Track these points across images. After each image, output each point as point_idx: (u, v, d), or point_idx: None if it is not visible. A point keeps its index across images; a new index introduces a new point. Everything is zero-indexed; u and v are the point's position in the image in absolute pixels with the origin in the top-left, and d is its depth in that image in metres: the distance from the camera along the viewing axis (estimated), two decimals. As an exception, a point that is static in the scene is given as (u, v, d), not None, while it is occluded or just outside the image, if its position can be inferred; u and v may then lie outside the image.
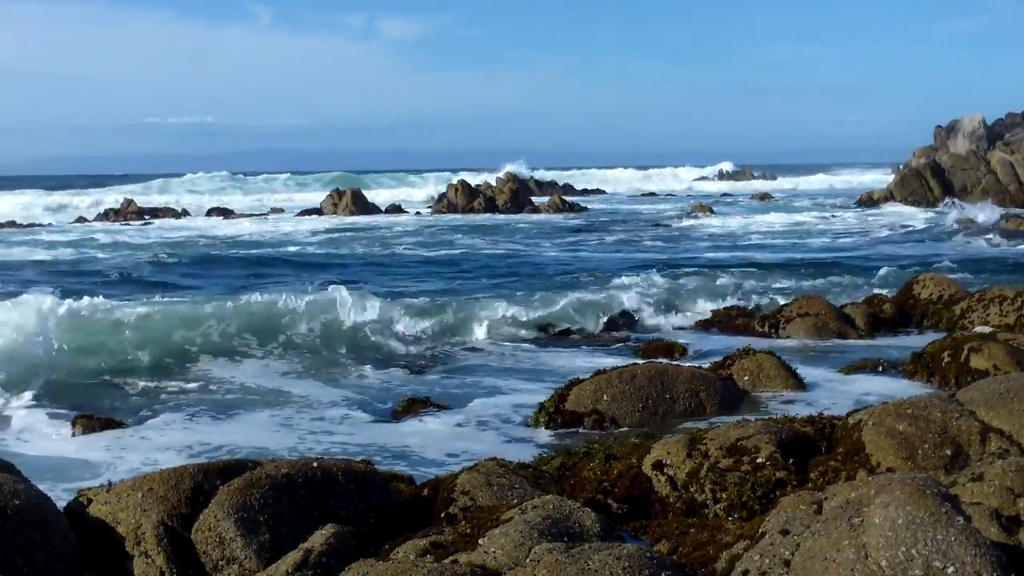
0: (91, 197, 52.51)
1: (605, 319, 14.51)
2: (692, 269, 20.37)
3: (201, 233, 35.69)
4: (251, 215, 45.13)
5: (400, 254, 27.42)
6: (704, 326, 14.48)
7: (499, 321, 13.95)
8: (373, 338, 13.02)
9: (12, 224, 40.28)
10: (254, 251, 28.71)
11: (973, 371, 10.00)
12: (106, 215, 43.91)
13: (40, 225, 41.05)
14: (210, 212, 47.39)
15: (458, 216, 43.95)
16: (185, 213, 45.12)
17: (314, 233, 35.09)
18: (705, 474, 6.00)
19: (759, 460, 6.01)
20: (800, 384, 10.02)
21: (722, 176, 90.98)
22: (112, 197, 52.65)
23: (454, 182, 50.12)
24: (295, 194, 61.31)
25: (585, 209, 47.55)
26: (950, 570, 3.68)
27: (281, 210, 49.04)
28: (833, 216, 39.47)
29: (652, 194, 71.83)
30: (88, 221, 43.24)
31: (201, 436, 8.80)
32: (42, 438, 8.90)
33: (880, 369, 10.83)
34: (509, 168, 60.04)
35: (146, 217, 43.22)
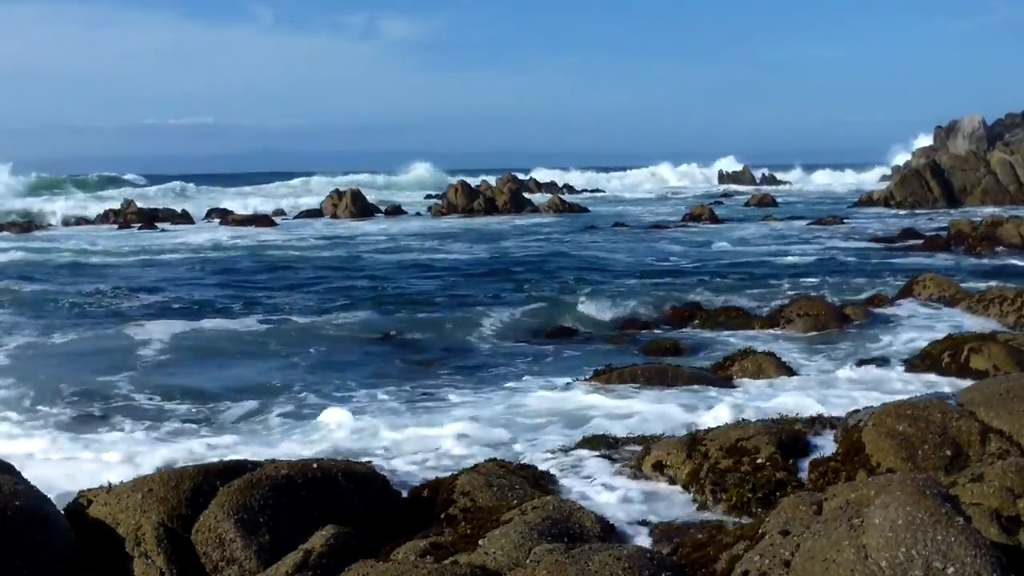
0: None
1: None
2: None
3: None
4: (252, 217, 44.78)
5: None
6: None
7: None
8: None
9: (14, 226, 40.07)
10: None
11: (973, 371, 10.01)
12: (106, 216, 43.78)
13: (41, 227, 40.89)
14: (210, 213, 47.28)
15: (480, 219, 43.18)
16: (186, 215, 44.96)
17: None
18: (705, 475, 6.00)
19: (759, 461, 6.01)
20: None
21: (722, 177, 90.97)
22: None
23: (454, 183, 50.07)
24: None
25: (585, 211, 47.48)
26: (950, 570, 3.68)
27: (283, 212, 48.91)
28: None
29: (652, 195, 71.83)
30: (90, 222, 43.10)
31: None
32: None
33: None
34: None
35: (159, 226, 42.18)
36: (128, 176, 76.40)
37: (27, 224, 40.76)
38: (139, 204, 45.71)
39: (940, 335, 11.86)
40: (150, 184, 68.00)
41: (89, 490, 5.34)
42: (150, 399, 10.37)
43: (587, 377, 9.78)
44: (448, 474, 6.30)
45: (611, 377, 9.57)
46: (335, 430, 8.99)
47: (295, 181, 70.83)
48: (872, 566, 3.78)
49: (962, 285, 15.20)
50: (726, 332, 13.70)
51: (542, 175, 78.02)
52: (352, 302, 17.38)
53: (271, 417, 9.56)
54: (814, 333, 12.95)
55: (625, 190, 79.31)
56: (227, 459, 6.23)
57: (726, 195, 65.62)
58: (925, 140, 63.48)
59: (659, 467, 6.27)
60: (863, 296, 15.90)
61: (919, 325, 13.60)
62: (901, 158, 66.58)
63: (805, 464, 6.10)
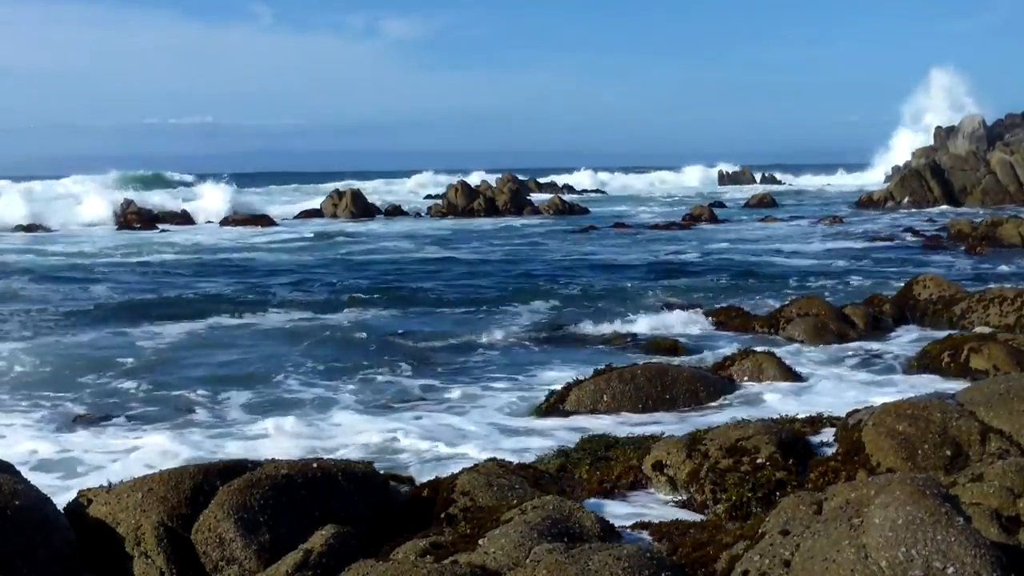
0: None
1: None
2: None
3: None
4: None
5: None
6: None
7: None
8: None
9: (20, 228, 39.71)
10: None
11: (973, 371, 10.02)
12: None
13: (44, 228, 40.69)
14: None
15: (480, 219, 43.09)
16: (185, 215, 44.78)
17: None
18: (705, 474, 6.00)
19: (759, 460, 6.01)
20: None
21: (722, 178, 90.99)
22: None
23: (454, 183, 50.02)
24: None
25: (586, 211, 47.44)
26: (950, 570, 3.67)
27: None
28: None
29: (652, 195, 71.80)
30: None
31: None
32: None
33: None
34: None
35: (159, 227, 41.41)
36: (176, 175, 75.10)
37: (30, 225, 40.59)
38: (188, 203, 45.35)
39: (940, 335, 11.87)
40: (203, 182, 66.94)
41: (89, 489, 5.34)
42: (149, 398, 10.38)
43: (588, 376, 9.78)
44: (448, 473, 6.31)
45: (611, 378, 9.56)
46: (334, 428, 9.01)
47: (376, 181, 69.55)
48: (872, 566, 3.78)
49: (962, 285, 15.19)
50: (726, 332, 13.71)
51: (545, 176, 78.01)
52: (352, 302, 17.40)
53: (271, 415, 9.55)
54: (814, 333, 12.94)
55: (625, 190, 79.34)
56: (227, 459, 6.24)
57: (726, 195, 65.55)
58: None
59: (659, 467, 6.27)
60: (863, 296, 15.89)
61: (919, 325, 13.61)
62: (893, 157, 66.37)
63: (805, 464, 6.10)
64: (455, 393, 10.45)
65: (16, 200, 42.71)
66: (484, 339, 13.55)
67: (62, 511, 5.15)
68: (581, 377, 9.89)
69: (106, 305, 17.24)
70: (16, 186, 50.22)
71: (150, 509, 5.01)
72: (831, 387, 10.03)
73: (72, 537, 4.98)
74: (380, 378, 11.28)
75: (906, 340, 12.64)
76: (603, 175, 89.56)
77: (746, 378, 10.07)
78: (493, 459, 6.61)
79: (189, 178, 72.50)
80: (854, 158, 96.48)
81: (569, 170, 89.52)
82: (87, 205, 43.63)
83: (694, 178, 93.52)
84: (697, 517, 5.63)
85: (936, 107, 59.96)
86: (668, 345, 12.47)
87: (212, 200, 47.11)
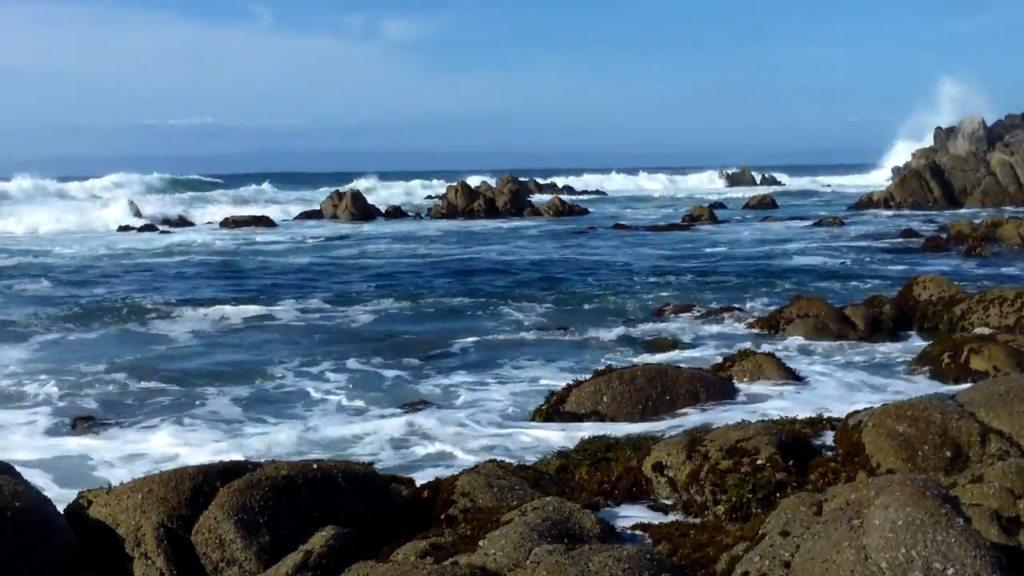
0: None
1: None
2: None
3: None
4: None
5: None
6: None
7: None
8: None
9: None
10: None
11: (973, 372, 10.02)
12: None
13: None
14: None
15: (480, 220, 43.14)
16: (184, 216, 44.72)
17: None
18: (705, 475, 5.99)
19: (759, 461, 6.01)
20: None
21: (722, 178, 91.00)
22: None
23: (454, 183, 50.06)
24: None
25: (586, 212, 47.47)
26: (950, 571, 3.68)
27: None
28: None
29: (652, 196, 71.83)
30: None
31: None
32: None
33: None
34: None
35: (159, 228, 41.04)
36: (207, 178, 74.69)
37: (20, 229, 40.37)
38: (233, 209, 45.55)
39: (940, 336, 11.87)
40: (236, 186, 66.08)
41: (89, 491, 5.34)
42: (149, 399, 10.37)
43: (588, 377, 9.78)
44: (448, 474, 6.31)
45: (611, 379, 9.56)
46: (334, 428, 9.01)
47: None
48: (872, 567, 3.78)
49: (962, 286, 15.20)
50: (725, 332, 13.71)
51: (545, 177, 78.12)
52: (351, 302, 17.40)
53: (271, 415, 9.56)
54: (814, 333, 12.94)
55: (625, 192, 79.36)
56: (227, 459, 6.24)
57: (726, 197, 65.55)
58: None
59: (659, 468, 6.26)
60: (863, 297, 15.89)
61: (919, 326, 13.60)
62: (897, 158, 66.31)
63: (805, 465, 6.10)
64: (455, 393, 10.45)
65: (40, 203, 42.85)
66: (483, 340, 13.55)
67: (62, 512, 5.15)
68: (581, 378, 9.88)
69: (106, 306, 17.23)
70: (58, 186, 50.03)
71: (150, 510, 5.01)
72: (831, 388, 10.03)
73: (72, 538, 4.98)
74: (380, 378, 11.28)
75: (906, 341, 12.64)
76: (603, 176, 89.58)
77: (746, 379, 10.07)
78: (493, 460, 6.61)
79: (220, 180, 72.20)
80: (855, 159, 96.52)
81: (569, 172, 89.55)
82: (87, 207, 43.64)
83: (694, 179, 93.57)
84: (697, 518, 5.64)
85: (940, 122, 59.85)
86: (668, 345, 12.47)
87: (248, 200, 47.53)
